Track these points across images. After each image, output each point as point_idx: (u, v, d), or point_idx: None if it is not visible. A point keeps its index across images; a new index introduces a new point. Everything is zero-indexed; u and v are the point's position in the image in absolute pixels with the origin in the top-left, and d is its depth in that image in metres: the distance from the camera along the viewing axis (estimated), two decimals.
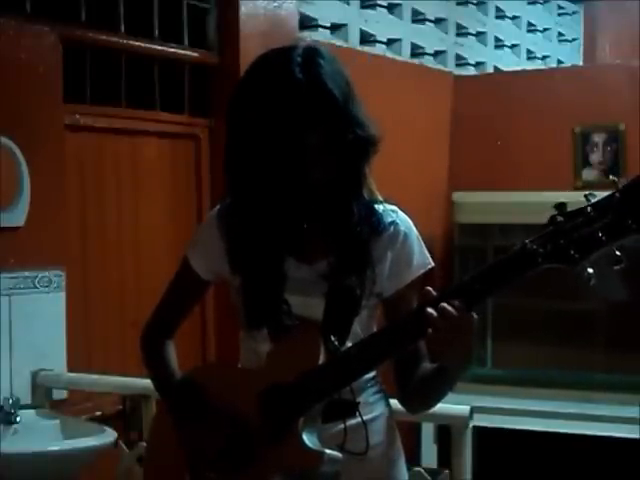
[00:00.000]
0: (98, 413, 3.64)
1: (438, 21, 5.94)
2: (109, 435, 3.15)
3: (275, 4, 4.45)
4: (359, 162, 1.77)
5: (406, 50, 5.64)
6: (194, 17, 4.31)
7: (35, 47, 3.52)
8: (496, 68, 6.57)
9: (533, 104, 5.66)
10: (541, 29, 7.28)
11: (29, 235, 3.49)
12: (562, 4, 7.63)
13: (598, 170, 5.56)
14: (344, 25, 5.11)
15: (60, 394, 3.58)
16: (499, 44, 6.66)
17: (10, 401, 3.27)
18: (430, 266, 1.84)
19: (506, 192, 5.51)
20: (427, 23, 5.83)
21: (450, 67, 6.04)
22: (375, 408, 1.85)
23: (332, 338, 1.74)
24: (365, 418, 1.79)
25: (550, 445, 4.89)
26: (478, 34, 6.40)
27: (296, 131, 1.68)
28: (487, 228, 5.73)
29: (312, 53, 1.73)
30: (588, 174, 5.57)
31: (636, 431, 4.63)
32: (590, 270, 1.52)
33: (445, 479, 2.92)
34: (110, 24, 3.92)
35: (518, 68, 6.61)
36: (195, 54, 4.31)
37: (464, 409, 2.76)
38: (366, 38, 5.27)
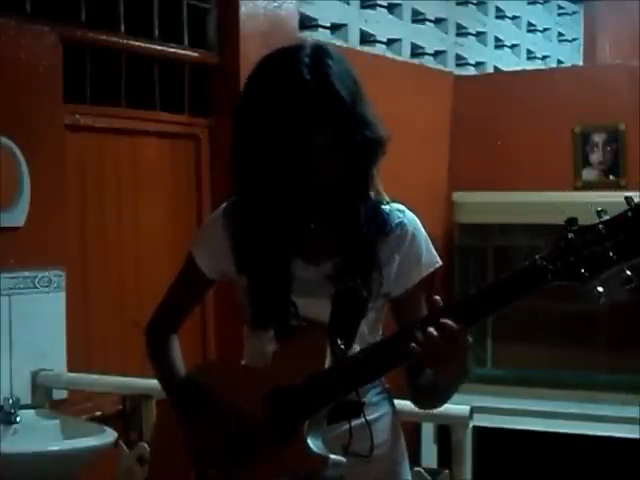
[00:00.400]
0: (98, 413, 3.63)
1: (438, 21, 5.94)
2: (109, 435, 3.15)
3: (275, 4, 4.45)
4: (366, 163, 1.76)
5: (406, 50, 5.64)
6: (194, 17, 4.31)
7: (35, 47, 3.52)
8: (496, 68, 6.57)
9: (533, 104, 5.66)
10: (541, 29, 7.28)
11: (29, 235, 3.49)
12: (562, 4, 7.62)
13: (598, 170, 5.56)
14: (344, 25, 5.11)
15: (60, 394, 3.58)
16: (499, 44, 6.66)
17: (10, 401, 3.27)
18: (438, 265, 1.84)
19: (506, 192, 5.51)
20: (427, 23, 5.83)
21: (450, 67, 6.03)
22: (379, 408, 1.86)
23: (339, 341, 1.74)
24: (369, 418, 1.80)
25: (550, 445, 4.89)
26: (478, 34, 6.40)
27: (304, 131, 1.68)
28: (487, 228, 5.73)
29: (320, 53, 1.73)
30: (588, 174, 5.57)
31: (637, 431, 4.63)
32: (600, 289, 1.51)
33: (445, 479, 2.91)
34: (110, 24, 3.92)
35: (518, 68, 6.60)
36: (195, 54, 4.31)
37: (464, 409, 2.76)
38: (366, 38, 5.27)
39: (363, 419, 1.78)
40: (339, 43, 4.94)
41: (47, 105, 3.58)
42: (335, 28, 5.05)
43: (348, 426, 1.76)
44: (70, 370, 3.60)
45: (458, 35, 6.16)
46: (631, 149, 5.41)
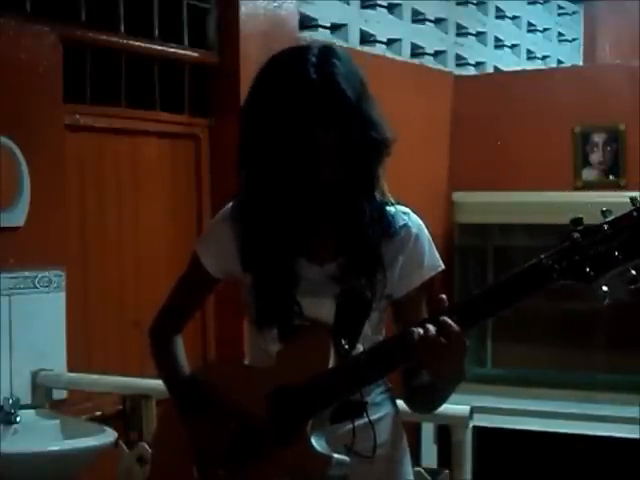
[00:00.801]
0: (98, 413, 3.63)
1: (438, 21, 5.94)
2: (109, 435, 3.15)
3: (275, 4, 4.45)
4: (371, 163, 1.76)
5: (406, 50, 5.64)
6: (194, 17, 4.31)
7: (35, 47, 3.52)
8: (496, 68, 6.57)
9: (533, 104, 5.66)
10: (541, 29, 7.28)
11: (29, 235, 3.49)
12: (562, 4, 7.62)
13: (598, 170, 5.56)
14: (344, 25, 5.11)
15: (60, 394, 3.58)
16: (499, 44, 6.66)
17: (10, 401, 3.27)
18: (441, 268, 1.85)
19: (506, 192, 5.51)
20: (427, 23, 5.83)
21: (450, 67, 6.04)
22: (382, 408, 1.86)
23: (342, 341, 1.74)
24: (372, 418, 1.80)
25: (550, 445, 4.89)
26: (478, 34, 6.40)
27: (308, 130, 1.68)
28: (487, 228, 5.74)
29: (327, 53, 1.73)
30: (588, 174, 5.57)
31: (636, 431, 4.63)
32: (605, 288, 1.51)
33: (445, 479, 2.92)
34: (110, 24, 3.92)
35: (518, 68, 6.60)
36: (195, 54, 4.30)
37: (464, 409, 2.76)
38: (366, 38, 5.27)
39: (366, 419, 1.79)
40: (339, 43, 4.94)
41: (47, 105, 3.58)
42: (335, 28, 5.05)
43: (351, 426, 1.77)
44: (70, 370, 3.60)
45: (458, 35, 6.16)
46: (631, 149, 5.42)
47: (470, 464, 2.85)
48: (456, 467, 2.83)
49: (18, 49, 3.47)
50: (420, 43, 5.75)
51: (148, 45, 4.08)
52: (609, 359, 5.41)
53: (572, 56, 7.74)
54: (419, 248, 1.83)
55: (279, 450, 1.73)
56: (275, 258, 1.81)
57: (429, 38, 5.84)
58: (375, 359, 1.69)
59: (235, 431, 1.79)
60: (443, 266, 1.85)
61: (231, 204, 1.91)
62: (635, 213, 1.50)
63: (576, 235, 1.53)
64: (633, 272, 1.49)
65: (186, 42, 4.28)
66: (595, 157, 5.56)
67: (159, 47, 4.14)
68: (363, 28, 5.25)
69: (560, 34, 7.61)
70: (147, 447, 3.19)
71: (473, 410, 2.79)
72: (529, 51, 7.08)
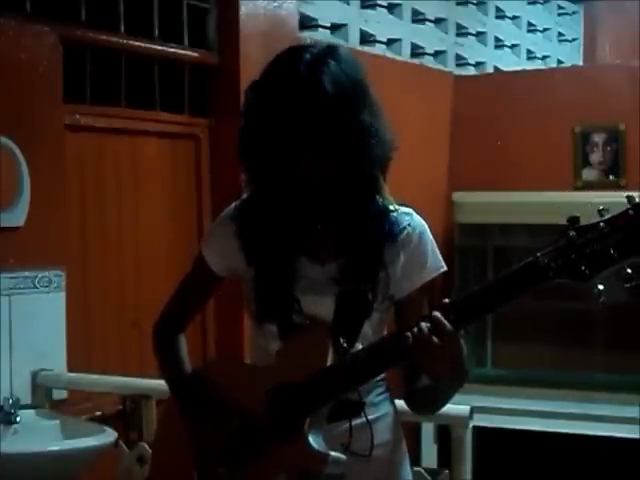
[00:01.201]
0: (98, 413, 3.63)
1: (438, 21, 5.94)
2: (109, 435, 3.15)
3: (275, 4, 4.45)
4: (369, 168, 1.76)
5: (406, 50, 5.64)
6: (194, 17, 4.31)
7: (35, 47, 3.52)
8: (496, 68, 6.57)
9: (533, 104, 5.66)
10: (541, 29, 7.28)
11: (29, 235, 3.49)
12: (562, 4, 7.62)
13: (598, 170, 5.56)
14: (344, 25, 5.11)
15: (60, 394, 3.58)
16: (499, 44, 6.66)
17: (10, 401, 3.27)
18: (443, 270, 1.84)
19: (506, 192, 5.51)
20: (427, 23, 5.83)
21: (450, 67, 6.04)
22: (380, 408, 1.86)
23: (341, 340, 1.74)
24: (370, 418, 1.80)
25: (550, 445, 4.89)
26: (478, 34, 6.40)
27: (291, 127, 1.69)
28: (487, 228, 5.73)
29: (326, 53, 1.73)
30: (588, 174, 5.57)
31: (636, 431, 4.63)
32: (601, 287, 1.51)
33: (445, 479, 2.92)
34: (110, 24, 3.92)
35: (518, 68, 6.60)
36: (195, 54, 4.30)
37: (464, 409, 2.76)
38: (366, 38, 5.27)
39: (364, 418, 1.79)
40: (339, 43, 4.94)
41: (47, 105, 3.58)
42: (335, 28, 5.05)
43: (348, 425, 1.77)
44: (70, 370, 3.60)
45: (458, 35, 6.16)
46: (631, 149, 5.42)
47: (470, 464, 2.84)
48: (456, 467, 2.83)
49: (18, 49, 3.47)
50: (420, 43, 5.76)
51: (148, 45, 4.08)
52: (609, 359, 5.41)
53: (572, 56, 7.74)
54: (422, 249, 1.83)
55: (277, 447, 1.73)
56: (276, 255, 1.82)
57: (429, 38, 5.84)
58: (371, 358, 1.69)
59: (234, 429, 1.79)
60: (445, 268, 1.85)
61: (235, 203, 1.92)
62: (631, 211, 1.49)
63: (572, 233, 1.53)
64: (629, 270, 1.49)
65: (186, 42, 4.28)
66: (595, 157, 5.56)
67: (159, 47, 4.13)
68: (363, 28, 5.25)
69: (560, 34, 7.61)
70: (147, 447, 3.19)
71: (473, 410, 2.79)
72: (529, 51, 7.09)
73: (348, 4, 5.14)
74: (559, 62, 7.53)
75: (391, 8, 5.49)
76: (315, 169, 1.71)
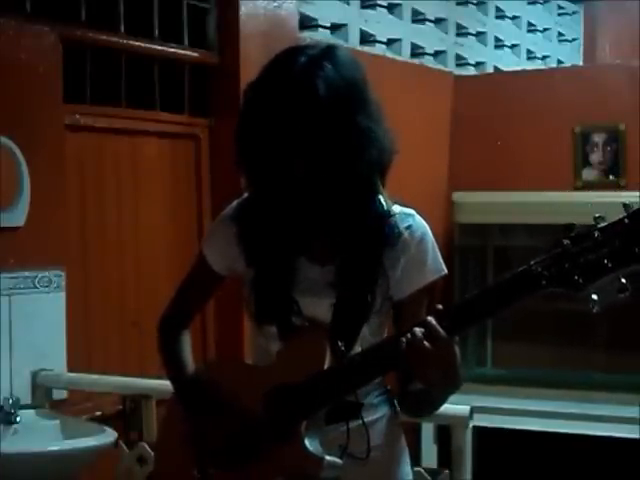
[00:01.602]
0: (98, 413, 3.63)
1: (438, 21, 5.94)
2: (109, 435, 3.15)
3: (275, 4, 4.45)
4: (364, 170, 1.74)
5: (406, 50, 5.64)
6: (194, 17, 4.31)
7: (35, 47, 3.52)
8: (496, 68, 6.57)
9: (533, 104, 5.66)
10: (541, 29, 7.28)
11: (29, 235, 3.49)
12: (562, 4, 7.62)
13: (598, 170, 5.56)
14: (344, 25, 5.11)
15: (60, 394, 3.58)
16: (499, 44, 6.66)
17: (10, 401, 3.27)
18: (443, 273, 1.83)
19: (506, 192, 5.51)
20: (427, 23, 5.83)
21: (450, 67, 6.03)
22: (378, 410, 1.86)
23: (339, 342, 1.74)
24: (368, 420, 1.80)
25: (550, 445, 4.89)
26: (478, 34, 6.40)
27: (285, 130, 1.68)
28: (487, 228, 5.74)
29: (322, 55, 1.72)
30: (588, 174, 5.57)
31: (636, 431, 4.63)
32: (594, 296, 1.50)
33: (445, 479, 2.92)
34: (110, 24, 3.92)
35: (518, 68, 6.60)
36: (195, 54, 4.30)
37: (464, 409, 2.76)
38: (366, 38, 5.27)
39: (361, 421, 1.78)
40: (339, 43, 4.94)
41: (47, 105, 3.58)
42: (335, 28, 5.05)
43: (346, 427, 1.76)
44: (70, 370, 3.60)
45: (458, 35, 6.16)
46: (631, 149, 5.41)
47: (470, 464, 2.85)
48: (456, 467, 2.83)
49: (18, 49, 3.47)
50: (420, 43, 5.75)
51: (148, 45, 4.08)
52: (609, 359, 5.41)
53: (572, 56, 7.74)
54: (422, 251, 1.82)
55: (274, 449, 1.73)
56: (275, 256, 1.82)
57: (429, 38, 5.84)
58: (367, 362, 1.69)
59: (233, 430, 1.79)
60: (446, 271, 1.83)
61: (236, 202, 1.92)
62: (627, 220, 1.48)
63: (566, 242, 1.51)
64: (623, 280, 1.48)
65: (186, 42, 4.28)
66: (595, 157, 5.56)
67: (159, 47, 4.13)
68: (363, 28, 5.25)
69: (560, 34, 7.61)
70: (147, 447, 3.19)
71: (473, 410, 2.79)
72: (529, 51, 7.08)
73: (348, 4, 5.14)
74: (559, 62, 7.53)
75: (391, 8, 5.49)
76: (308, 171, 1.70)
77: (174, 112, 4.25)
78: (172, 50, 4.20)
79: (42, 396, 3.49)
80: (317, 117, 1.67)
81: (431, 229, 1.86)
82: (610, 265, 1.48)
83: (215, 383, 1.86)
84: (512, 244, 5.64)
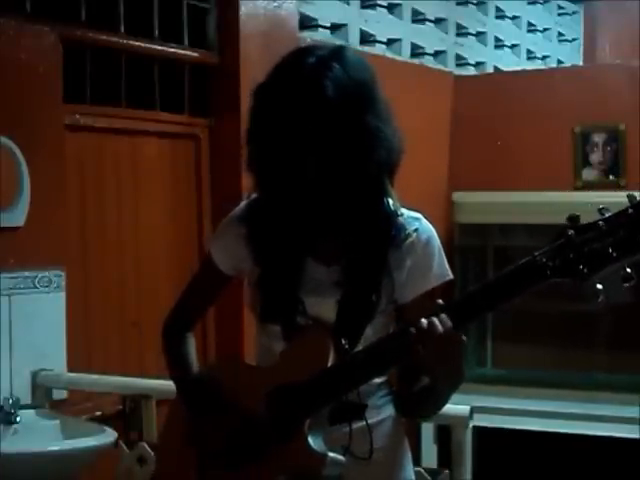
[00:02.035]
0: (98, 413, 3.64)
1: (438, 21, 5.94)
2: (109, 435, 3.15)
3: (275, 4, 4.45)
4: (373, 170, 1.74)
5: (406, 50, 5.64)
6: (194, 17, 4.31)
7: (35, 47, 3.52)
8: (496, 68, 6.57)
9: (533, 104, 5.66)
10: (541, 29, 7.28)
11: (29, 235, 3.49)
12: (562, 4, 7.62)
13: (598, 170, 5.56)
14: (344, 25, 5.11)
15: (60, 394, 3.58)
16: (499, 44, 6.66)
17: (10, 401, 3.27)
18: (448, 278, 1.83)
19: (506, 192, 5.51)
20: (427, 23, 5.83)
21: (450, 67, 6.04)
22: (383, 411, 1.86)
23: (343, 342, 1.74)
24: (372, 421, 1.80)
25: (550, 445, 4.89)
26: (478, 34, 6.40)
27: (294, 132, 1.69)
28: (487, 228, 5.74)
29: (331, 56, 1.72)
30: (588, 174, 5.57)
31: (636, 431, 4.63)
32: (599, 286, 1.50)
33: (445, 479, 2.92)
34: (110, 24, 3.92)
35: (518, 68, 6.60)
36: (195, 54, 4.30)
37: (464, 409, 2.76)
38: (366, 38, 5.27)
39: (364, 422, 1.78)
40: (339, 43, 4.93)
41: (47, 105, 3.58)
42: (335, 28, 5.05)
43: (349, 428, 1.76)
44: (70, 370, 3.60)
45: (458, 35, 6.16)
46: (631, 149, 5.42)
47: (470, 464, 2.85)
48: (456, 467, 2.83)
49: (18, 49, 3.47)
50: (420, 43, 5.75)
51: (148, 45, 4.08)
52: (609, 359, 5.41)
53: (572, 56, 7.74)
54: (428, 255, 1.82)
55: (277, 448, 1.73)
56: (284, 256, 1.82)
57: (429, 38, 5.84)
58: (372, 357, 1.69)
59: (236, 430, 1.79)
60: (452, 276, 1.83)
61: (244, 202, 1.92)
62: (631, 210, 1.49)
63: (571, 232, 1.52)
64: (628, 270, 1.49)
65: (186, 42, 4.28)
66: (595, 157, 5.56)
67: (159, 47, 4.14)
68: (363, 28, 5.25)
69: (560, 34, 7.61)
70: (147, 447, 3.19)
71: (473, 410, 2.79)
72: (529, 51, 7.09)
73: (348, 4, 5.14)
74: (559, 62, 7.53)
75: (391, 8, 5.49)
76: (319, 172, 1.70)
77: (174, 112, 4.24)
78: (172, 50, 4.20)
79: (42, 396, 3.49)
80: (326, 118, 1.68)
81: None
82: (615, 254, 1.48)
83: (218, 383, 1.86)
84: (512, 244, 5.64)
